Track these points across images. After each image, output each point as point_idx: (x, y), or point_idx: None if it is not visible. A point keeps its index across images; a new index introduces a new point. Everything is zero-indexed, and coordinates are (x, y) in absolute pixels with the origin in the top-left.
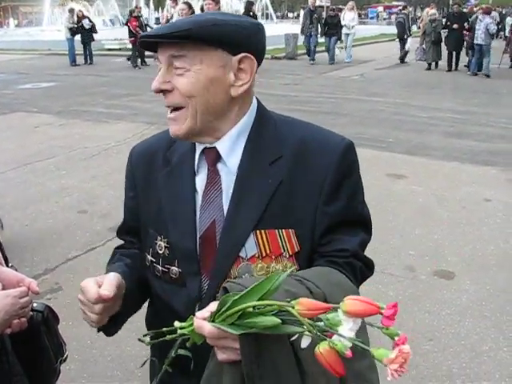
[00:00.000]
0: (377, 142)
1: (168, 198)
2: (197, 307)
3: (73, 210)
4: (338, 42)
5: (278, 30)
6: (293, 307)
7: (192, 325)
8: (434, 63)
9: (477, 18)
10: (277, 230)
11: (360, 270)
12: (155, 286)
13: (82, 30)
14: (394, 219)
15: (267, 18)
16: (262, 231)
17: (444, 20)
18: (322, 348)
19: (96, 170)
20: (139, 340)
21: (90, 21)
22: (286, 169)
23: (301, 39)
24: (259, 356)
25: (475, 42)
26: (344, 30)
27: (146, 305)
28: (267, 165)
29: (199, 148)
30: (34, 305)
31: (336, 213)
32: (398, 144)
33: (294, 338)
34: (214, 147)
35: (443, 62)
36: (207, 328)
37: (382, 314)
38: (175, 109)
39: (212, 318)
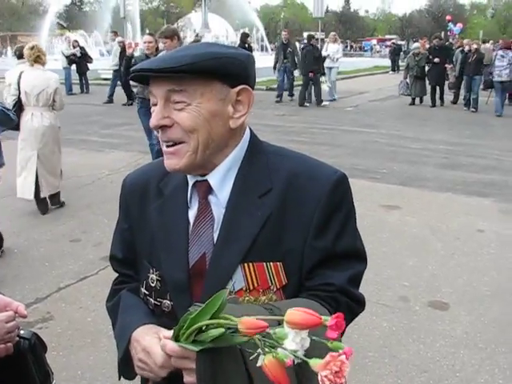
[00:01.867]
0: (371, 172)
1: (160, 230)
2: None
3: (66, 239)
4: (322, 77)
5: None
6: (236, 325)
7: None
8: (418, 98)
9: (462, 51)
10: (265, 263)
11: (347, 305)
12: None
13: (78, 59)
14: (388, 250)
15: (262, 49)
16: (250, 264)
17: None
18: (267, 360)
19: (90, 198)
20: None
21: (83, 50)
22: (276, 202)
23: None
24: (214, 376)
25: (497, 79)
26: (327, 63)
27: None
28: (256, 198)
29: (191, 180)
30: (21, 332)
31: (325, 247)
32: (391, 175)
33: (252, 358)
34: (206, 180)
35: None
36: (169, 346)
37: (325, 326)
38: (174, 143)
39: (175, 338)
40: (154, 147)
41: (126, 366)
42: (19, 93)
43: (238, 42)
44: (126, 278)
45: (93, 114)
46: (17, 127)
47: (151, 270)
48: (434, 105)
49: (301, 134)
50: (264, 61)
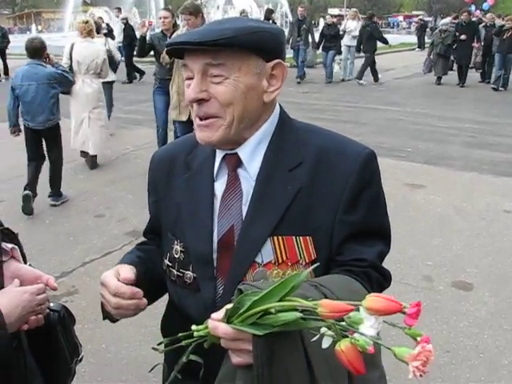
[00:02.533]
0: (395, 151)
1: (186, 202)
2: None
3: (90, 214)
4: (337, 56)
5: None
6: (316, 308)
7: (207, 327)
8: (436, 78)
9: (485, 26)
10: (294, 237)
11: (377, 280)
12: (170, 291)
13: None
14: (412, 229)
15: (286, 25)
16: (280, 237)
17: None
18: (343, 345)
19: (114, 174)
20: (153, 349)
21: (108, 26)
22: (306, 176)
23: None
24: (271, 358)
25: None
26: (345, 41)
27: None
28: (287, 171)
29: (219, 154)
30: (51, 304)
31: (355, 222)
32: (416, 154)
33: (313, 340)
34: (236, 153)
35: (449, 77)
36: (222, 328)
37: (404, 313)
38: (209, 116)
39: (227, 319)
40: (158, 129)
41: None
42: (71, 62)
43: (262, 18)
44: (149, 240)
45: (116, 91)
46: (68, 92)
47: (175, 242)
48: (460, 84)
49: (325, 111)
50: None
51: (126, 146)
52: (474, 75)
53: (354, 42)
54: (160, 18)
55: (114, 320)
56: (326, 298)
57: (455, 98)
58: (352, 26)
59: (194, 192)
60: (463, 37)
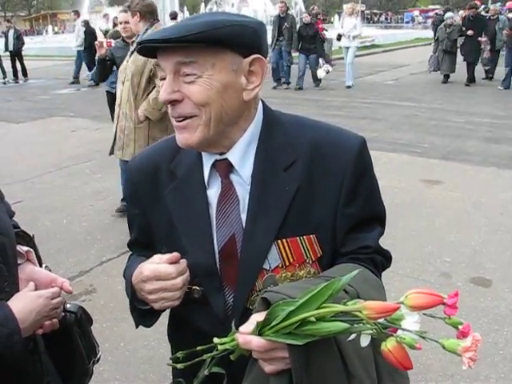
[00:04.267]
0: (412, 147)
1: (179, 214)
2: (233, 322)
3: (107, 213)
4: (320, 60)
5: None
6: (360, 312)
7: (233, 340)
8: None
9: (496, 19)
10: (298, 238)
11: (381, 263)
12: (176, 307)
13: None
14: (429, 225)
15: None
16: (284, 240)
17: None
18: (390, 345)
19: None
20: (169, 365)
21: None
22: (302, 173)
23: (335, 44)
24: (308, 364)
25: None
26: (343, 42)
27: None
28: (282, 171)
29: (208, 160)
30: (68, 306)
31: (356, 213)
32: (433, 149)
33: (350, 339)
34: (226, 158)
35: (456, 74)
36: (256, 342)
37: (444, 304)
38: (185, 117)
39: (259, 331)
40: None
41: (139, 314)
42: None
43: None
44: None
45: None
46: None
47: None
48: (468, 83)
49: (341, 108)
50: None
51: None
52: (480, 69)
53: (355, 43)
54: (120, 24)
55: (148, 325)
56: (346, 291)
57: (473, 92)
58: (350, 25)
59: (186, 202)
60: (470, 32)
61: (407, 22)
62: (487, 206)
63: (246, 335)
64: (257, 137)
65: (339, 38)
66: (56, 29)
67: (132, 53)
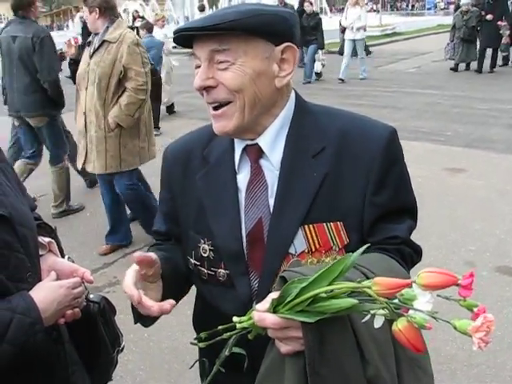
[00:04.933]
0: (434, 135)
1: (209, 198)
2: (254, 303)
3: None
4: (320, 51)
5: (332, 24)
6: (369, 288)
7: (251, 318)
8: (465, 64)
9: None
10: (325, 224)
11: (409, 255)
12: (201, 290)
13: (138, 30)
14: (453, 214)
15: (321, 11)
16: (311, 226)
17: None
18: (401, 324)
19: (153, 166)
20: (192, 343)
21: (144, 20)
22: (331, 161)
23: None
24: (322, 343)
25: None
26: (347, 35)
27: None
28: (311, 158)
29: (239, 146)
30: (91, 296)
31: (384, 202)
32: (456, 137)
33: (364, 320)
34: (256, 144)
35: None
36: (270, 319)
37: (458, 285)
38: (220, 105)
39: (273, 308)
40: None
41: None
42: None
43: (297, 6)
44: (163, 240)
45: None
46: None
47: (202, 241)
48: (480, 70)
49: (362, 97)
50: (323, 24)
51: (164, 138)
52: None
53: (360, 35)
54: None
55: (146, 324)
56: (367, 277)
57: (496, 79)
58: (355, 15)
59: (216, 186)
60: (489, 16)
61: (429, 9)
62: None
63: (261, 312)
64: (288, 124)
65: (343, 30)
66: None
67: (93, 53)
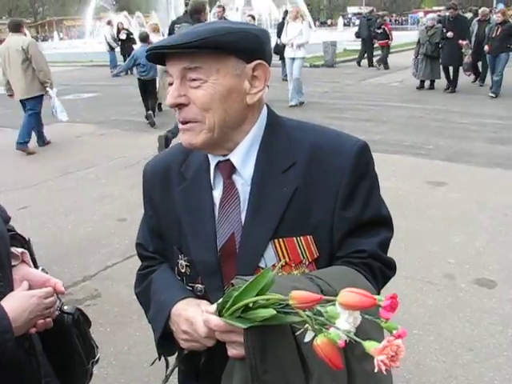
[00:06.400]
0: (416, 149)
1: (186, 214)
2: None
3: (112, 218)
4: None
5: (317, 38)
6: (288, 300)
7: None
8: (429, 81)
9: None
10: (295, 238)
11: (380, 270)
12: None
13: (122, 42)
14: (433, 226)
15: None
16: (281, 240)
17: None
18: (320, 340)
19: (135, 178)
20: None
21: (129, 32)
22: (301, 175)
23: (340, 46)
24: (263, 350)
25: None
26: (287, 53)
27: None
28: (281, 173)
29: (213, 161)
30: (65, 307)
31: (353, 217)
32: (438, 151)
33: (298, 333)
34: (228, 159)
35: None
36: (213, 321)
37: (380, 306)
38: (188, 121)
39: (219, 312)
40: None
41: (165, 343)
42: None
43: (280, 20)
44: (152, 262)
45: (137, 95)
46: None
47: (180, 256)
48: (448, 88)
49: (345, 110)
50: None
51: (146, 151)
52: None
53: (301, 53)
54: None
55: (168, 355)
56: (321, 290)
57: (476, 93)
58: (295, 31)
59: (192, 202)
60: (449, 34)
61: (412, 24)
62: (492, 207)
63: (208, 314)
64: (259, 139)
65: (278, 49)
66: (61, 35)
67: None
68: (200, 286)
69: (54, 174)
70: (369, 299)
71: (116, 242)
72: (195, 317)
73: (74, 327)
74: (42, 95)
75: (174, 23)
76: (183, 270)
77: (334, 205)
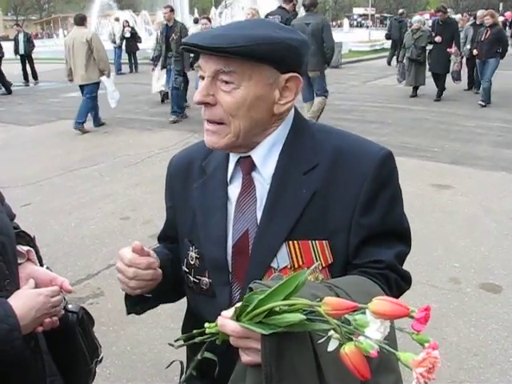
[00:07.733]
0: (421, 151)
1: (200, 208)
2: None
3: (115, 217)
4: None
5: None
6: (319, 306)
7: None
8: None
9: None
10: (310, 241)
11: (395, 282)
12: (188, 297)
13: (127, 40)
14: (439, 230)
15: None
16: (295, 242)
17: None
18: (348, 348)
19: (139, 177)
20: (169, 344)
21: (133, 30)
22: (321, 178)
23: (346, 47)
24: (279, 358)
25: None
26: None
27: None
28: (302, 174)
29: (233, 157)
30: (69, 306)
31: (372, 224)
32: (443, 153)
33: (320, 342)
34: (249, 156)
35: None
36: (230, 326)
37: (412, 317)
38: (214, 121)
39: (236, 317)
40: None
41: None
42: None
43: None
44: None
45: (142, 93)
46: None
47: (191, 248)
48: (438, 97)
49: (350, 111)
50: None
51: (150, 149)
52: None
53: None
54: None
55: (139, 312)
56: (337, 295)
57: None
58: None
59: (208, 197)
60: (438, 38)
61: None
62: (497, 211)
63: (224, 318)
64: (282, 140)
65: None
66: (66, 32)
67: None
68: (206, 279)
69: (58, 172)
70: (402, 309)
71: (119, 240)
72: (123, 251)
73: (78, 326)
74: (99, 82)
75: (267, 15)
76: (192, 262)
77: (352, 211)
